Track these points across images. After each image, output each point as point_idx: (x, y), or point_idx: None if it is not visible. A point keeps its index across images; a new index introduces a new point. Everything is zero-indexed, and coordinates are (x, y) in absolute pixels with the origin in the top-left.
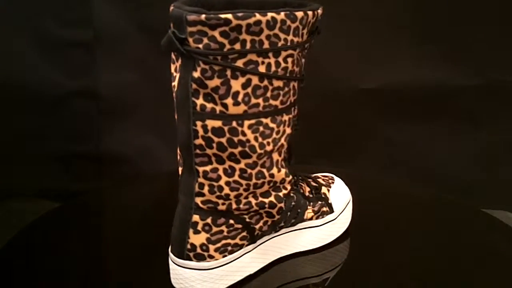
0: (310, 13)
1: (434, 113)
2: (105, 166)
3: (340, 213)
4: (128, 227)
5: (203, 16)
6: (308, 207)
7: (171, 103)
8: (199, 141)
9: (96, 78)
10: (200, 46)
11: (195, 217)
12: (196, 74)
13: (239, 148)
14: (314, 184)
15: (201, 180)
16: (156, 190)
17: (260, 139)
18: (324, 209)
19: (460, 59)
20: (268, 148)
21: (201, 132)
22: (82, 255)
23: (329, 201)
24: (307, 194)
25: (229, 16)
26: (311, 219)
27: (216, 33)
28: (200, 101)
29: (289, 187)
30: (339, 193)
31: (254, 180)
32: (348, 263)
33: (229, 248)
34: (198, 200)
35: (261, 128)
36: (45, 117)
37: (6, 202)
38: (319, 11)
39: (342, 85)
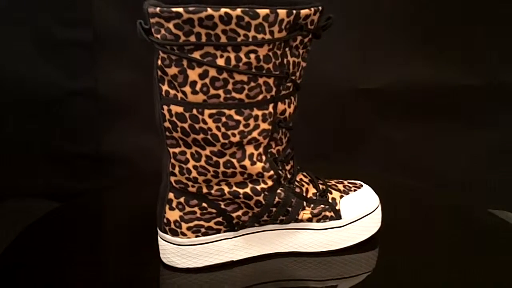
0: (282, 11)
1: (434, 113)
2: (105, 166)
3: (351, 223)
4: (128, 227)
5: (157, 8)
6: (306, 208)
7: None
8: (167, 124)
9: (96, 78)
10: (159, 36)
11: (170, 195)
12: (159, 62)
13: (201, 135)
14: (323, 187)
15: (172, 160)
16: (156, 190)
17: (223, 129)
18: (327, 213)
19: (460, 59)
20: (234, 139)
21: (167, 116)
22: (84, 256)
23: (337, 207)
24: (309, 195)
25: (180, 9)
26: (309, 220)
27: (170, 25)
28: (165, 87)
29: (270, 182)
30: (357, 203)
31: (222, 169)
32: (356, 275)
33: (203, 229)
34: (172, 179)
35: (223, 119)
36: (45, 117)
37: (6, 202)
38: (303, 11)
39: (342, 85)
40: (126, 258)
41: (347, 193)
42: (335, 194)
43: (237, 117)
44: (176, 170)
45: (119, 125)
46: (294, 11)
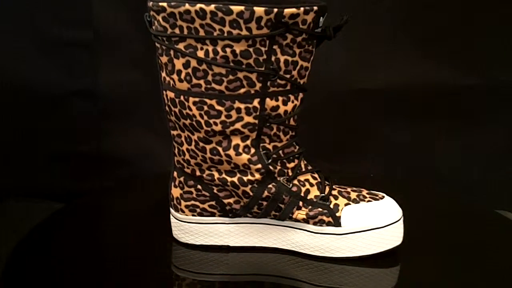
0: (258, 9)
1: (434, 113)
2: (105, 166)
3: (353, 233)
4: (133, 228)
5: (150, 3)
6: (303, 209)
7: None
8: (166, 108)
9: (96, 78)
10: (154, 28)
11: (175, 173)
12: (157, 51)
13: (188, 121)
14: (328, 190)
15: (173, 142)
16: (157, 189)
17: (205, 117)
18: (325, 218)
19: (460, 59)
20: (216, 128)
21: (165, 100)
22: (91, 257)
23: (337, 214)
24: (309, 196)
25: (164, 4)
26: (306, 222)
27: (159, 18)
28: (163, 74)
29: (257, 175)
30: (364, 214)
31: (209, 155)
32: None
33: (198, 210)
34: (175, 159)
35: (205, 107)
36: (45, 117)
37: (6, 202)
38: (287, 10)
39: (342, 85)
40: (131, 258)
41: (357, 202)
42: (341, 201)
43: (218, 108)
44: (176, 151)
45: (119, 125)
46: (275, 10)
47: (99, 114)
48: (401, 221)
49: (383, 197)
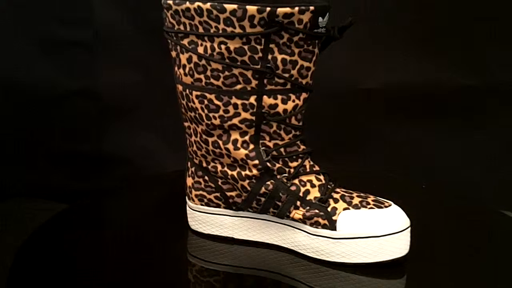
0: (251, 8)
1: (434, 113)
2: (105, 166)
3: (348, 238)
4: (138, 228)
5: (162, 1)
6: (300, 208)
7: (171, 103)
8: (179, 100)
9: (96, 78)
10: (166, 25)
11: (188, 164)
12: (169, 46)
13: (192, 113)
14: (329, 193)
15: (185, 133)
16: (158, 189)
17: (205, 111)
18: (321, 220)
19: (460, 59)
20: (215, 122)
21: (177, 92)
22: (97, 258)
23: (334, 218)
24: (308, 197)
25: (170, 2)
26: (303, 222)
27: (169, 15)
28: (176, 68)
29: (255, 171)
30: (364, 220)
31: (211, 147)
32: None
33: (205, 200)
34: (188, 149)
35: (205, 101)
36: (45, 117)
37: (6, 202)
38: (281, 9)
39: (342, 85)
40: (134, 258)
41: (357, 208)
42: (340, 205)
43: (216, 102)
44: (188, 142)
45: (119, 125)
46: (268, 9)
47: (99, 114)
48: (407, 232)
49: (390, 205)
